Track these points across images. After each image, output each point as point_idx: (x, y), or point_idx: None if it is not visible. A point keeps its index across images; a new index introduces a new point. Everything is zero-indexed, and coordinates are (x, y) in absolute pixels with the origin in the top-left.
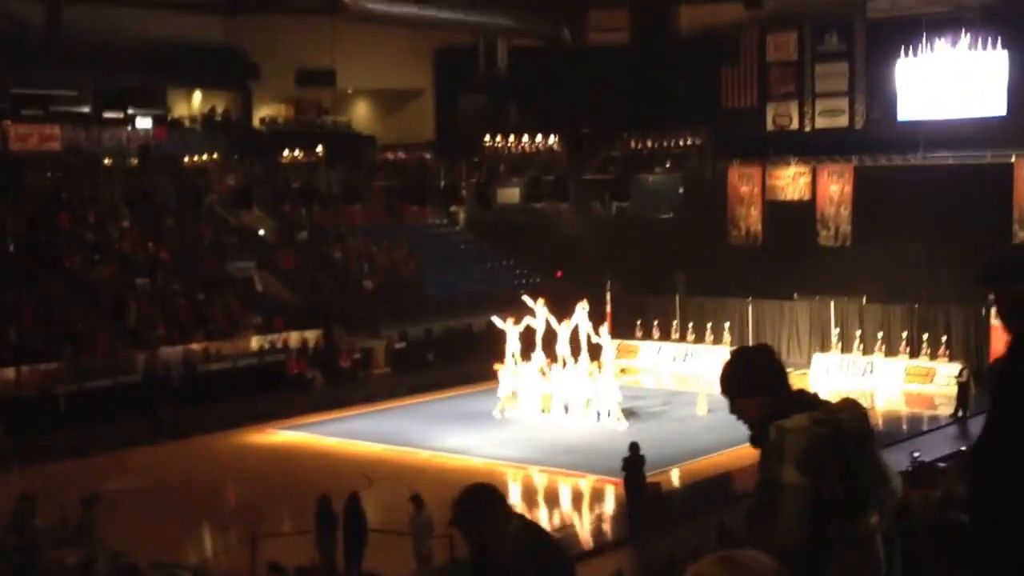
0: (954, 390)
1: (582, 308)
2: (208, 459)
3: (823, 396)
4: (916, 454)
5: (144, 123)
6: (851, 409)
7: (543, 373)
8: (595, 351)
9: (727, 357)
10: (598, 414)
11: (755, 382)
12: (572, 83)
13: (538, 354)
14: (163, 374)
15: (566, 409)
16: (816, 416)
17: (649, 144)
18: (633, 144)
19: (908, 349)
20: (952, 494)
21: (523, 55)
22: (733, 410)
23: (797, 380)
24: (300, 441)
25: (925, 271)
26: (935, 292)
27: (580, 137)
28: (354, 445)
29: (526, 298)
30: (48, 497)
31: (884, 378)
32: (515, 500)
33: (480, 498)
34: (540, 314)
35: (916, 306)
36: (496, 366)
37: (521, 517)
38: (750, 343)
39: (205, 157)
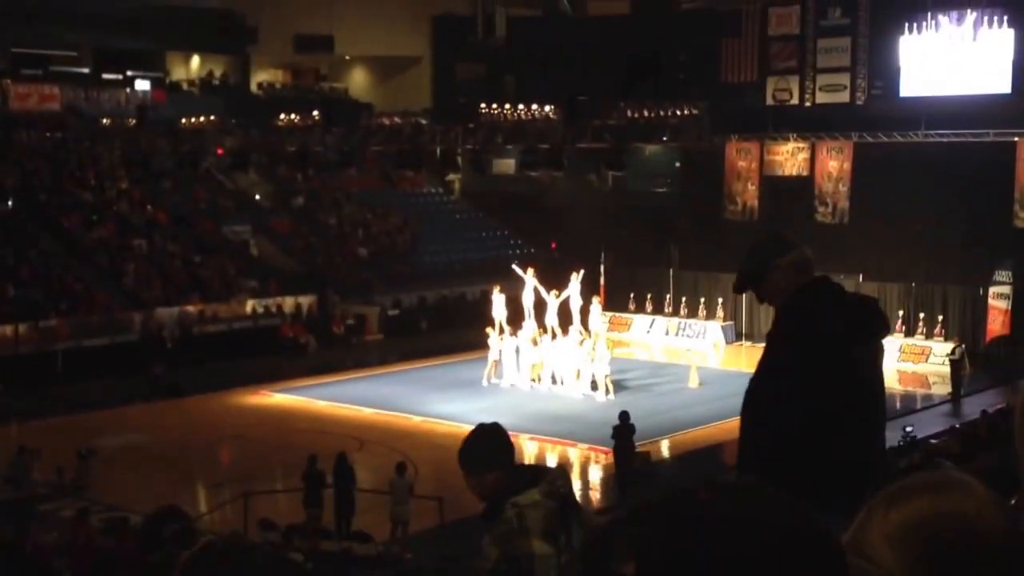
0: (948, 370)
1: (576, 278)
2: (202, 418)
3: None
4: (908, 429)
5: (143, 85)
6: (562, 476)
7: (534, 343)
8: (586, 322)
9: (467, 434)
10: (593, 383)
11: (491, 458)
12: (570, 52)
13: (529, 323)
14: (158, 334)
15: (554, 379)
16: (544, 490)
17: (646, 114)
18: (630, 114)
19: (904, 328)
20: (936, 449)
21: (521, 24)
22: (470, 485)
23: None
24: (292, 403)
25: (923, 250)
26: (932, 271)
27: (576, 105)
28: (345, 409)
29: (515, 267)
30: (45, 451)
31: None
32: None
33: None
34: (529, 284)
35: (913, 285)
36: (487, 330)
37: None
38: (743, 319)
39: (202, 120)
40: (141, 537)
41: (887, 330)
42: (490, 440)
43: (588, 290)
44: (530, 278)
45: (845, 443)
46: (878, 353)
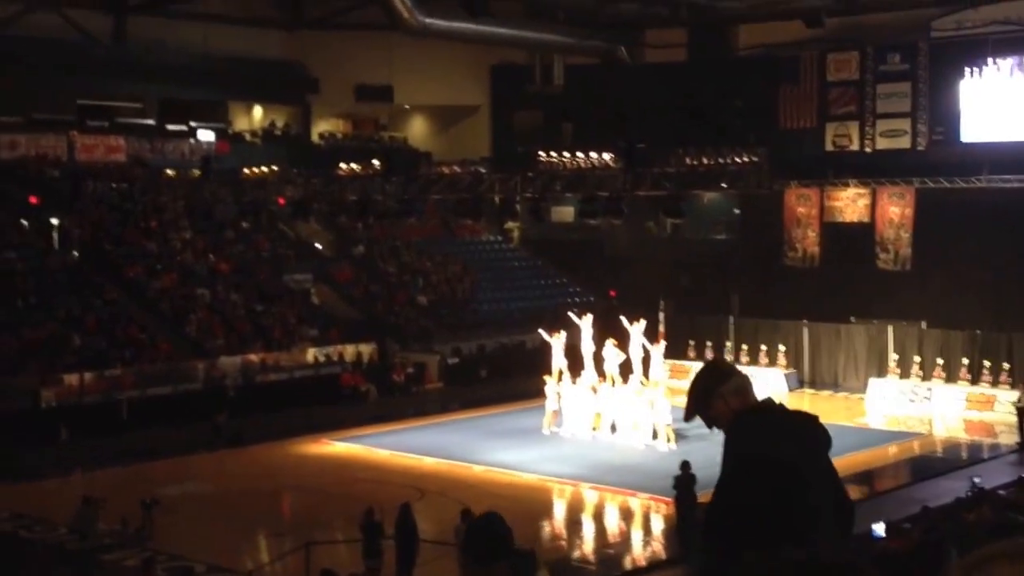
0: (1016, 419)
1: (638, 328)
2: (264, 467)
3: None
4: (977, 480)
5: (206, 136)
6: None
7: (593, 391)
8: (646, 371)
9: (472, 529)
10: (654, 432)
11: (501, 548)
12: (628, 100)
13: (588, 371)
14: (221, 383)
15: (613, 428)
16: (548, 570)
17: (705, 162)
18: (689, 161)
19: (969, 376)
20: (1006, 503)
21: (579, 71)
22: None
23: (853, 405)
24: (353, 452)
25: (988, 296)
26: (998, 318)
27: (634, 153)
28: (406, 458)
29: (571, 315)
30: (110, 501)
31: (943, 405)
32: (564, 517)
33: None
34: (586, 330)
35: (978, 332)
36: (545, 377)
37: None
38: (806, 366)
39: (264, 170)
40: None
41: (830, 443)
42: (497, 531)
43: (648, 337)
44: (587, 325)
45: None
46: (830, 465)
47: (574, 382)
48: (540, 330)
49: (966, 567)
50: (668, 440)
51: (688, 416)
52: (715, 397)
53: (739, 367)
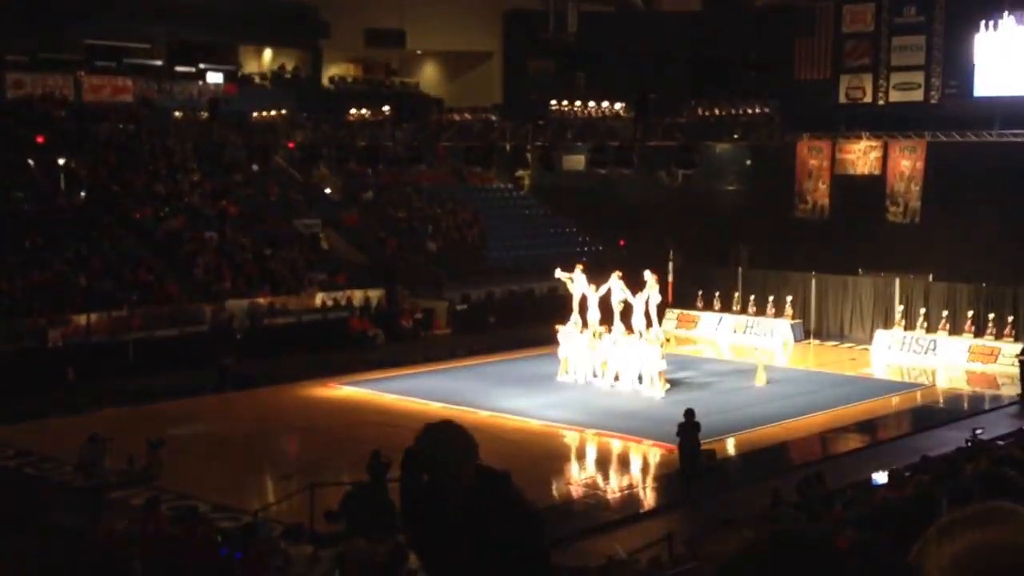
0: (1018, 370)
1: (651, 280)
2: (270, 409)
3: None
4: (978, 431)
5: (215, 78)
6: None
7: (597, 338)
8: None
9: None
10: (639, 378)
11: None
12: (641, 49)
13: (593, 320)
14: (228, 326)
15: (617, 376)
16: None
17: (717, 113)
18: (701, 112)
19: (973, 328)
20: (1006, 456)
21: (593, 20)
22: None
23: (858, 356)
24: (360, 396)
25: (994, 250)
26: (1004, 272)
27: (647, 103)
28: (413, 403)
29: (559, 273)
30: (116, 440)
31: (947, 356)
32: (569, 461)
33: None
34: (579, 280)
35: (984, 285)
36: (557, 326)
37: None
38: (812, 317)
39: (274, 113)
40: None
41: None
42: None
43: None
44: (579, 275)
45: None
46: None
47: (582, 331)
48: (557, 270)
49: (938, 531)
50: (660, 386)
51: (418, 470)
52: (467, 464)
53: (746, 317)
